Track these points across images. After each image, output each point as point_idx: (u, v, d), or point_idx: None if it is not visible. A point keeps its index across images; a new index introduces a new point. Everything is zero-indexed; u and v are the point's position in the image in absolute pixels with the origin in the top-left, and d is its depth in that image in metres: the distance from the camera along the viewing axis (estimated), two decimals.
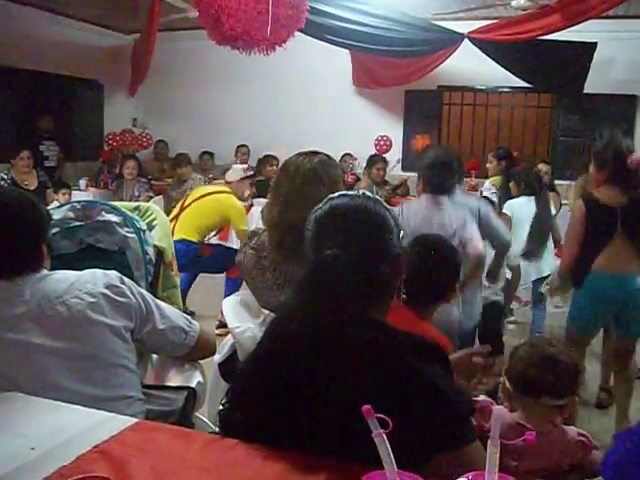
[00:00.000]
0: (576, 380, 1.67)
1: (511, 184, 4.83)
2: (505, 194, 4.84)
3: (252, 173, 5.38)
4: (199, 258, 4.79)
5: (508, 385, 1.70)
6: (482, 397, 1.76)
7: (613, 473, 0.70)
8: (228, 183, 5.11)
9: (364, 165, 7.70)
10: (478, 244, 3.00)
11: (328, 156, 2.25)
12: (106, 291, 1.56)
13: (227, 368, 2.04)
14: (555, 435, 1.65)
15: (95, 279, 1.59)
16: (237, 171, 5.22)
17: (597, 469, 1.37)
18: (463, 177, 3.86)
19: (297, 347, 1.17)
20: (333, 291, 1.16)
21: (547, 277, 4.72)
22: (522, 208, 4.57)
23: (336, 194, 1.34)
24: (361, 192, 1.35)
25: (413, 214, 2.97)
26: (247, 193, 5.23)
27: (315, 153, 2.23)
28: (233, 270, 4.56)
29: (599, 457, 1.64)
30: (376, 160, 6.48)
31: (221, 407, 1.27)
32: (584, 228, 3.17)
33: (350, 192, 1.38)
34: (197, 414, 1.84)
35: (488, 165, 5.08)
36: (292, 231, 2.04)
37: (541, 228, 4.57)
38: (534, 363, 1.64)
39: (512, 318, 5.10)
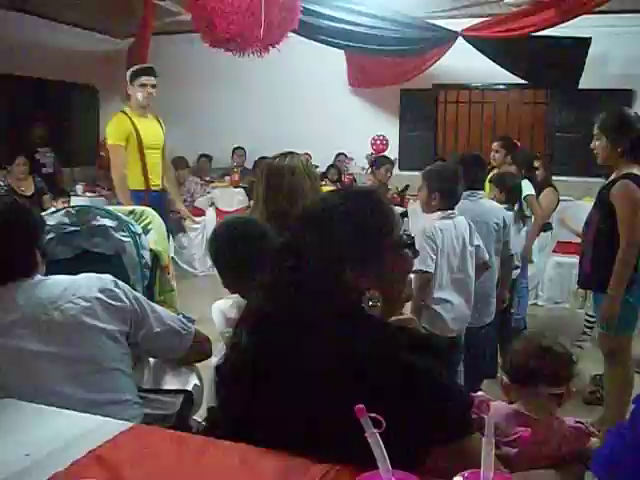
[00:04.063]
0: (571, 368, 1.73)
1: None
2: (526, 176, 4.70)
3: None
4: None
5: (506, 379, 1.76)
6: (480, 393, 1.76)
7: (603, 470, 0.67)
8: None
9: (362, 165, 7.69)
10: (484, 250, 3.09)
11: (293, 153, 2.30)
12: (100, 295, 1.56)
13: None
14: (553, 424, 1.69)
15: (89, 283, 1.58)
16: None
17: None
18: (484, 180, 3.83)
19: (278, 346, 1.14)
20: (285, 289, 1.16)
21: None
22: None
23: (325, 192, 1.32)
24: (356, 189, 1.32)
25: (447, 232, 2.98)
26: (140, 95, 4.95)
27: (290, 153, 2.28)
28: None
29: (597, 444, 1.67)
30: (384, 161, 6.36)
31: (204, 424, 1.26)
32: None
33: (335, 190, 1.35)
34: (195, 417, 1.83)
35: (496, 155, 4.88)
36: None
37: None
38: (530, 353, 1.71)
39: None
